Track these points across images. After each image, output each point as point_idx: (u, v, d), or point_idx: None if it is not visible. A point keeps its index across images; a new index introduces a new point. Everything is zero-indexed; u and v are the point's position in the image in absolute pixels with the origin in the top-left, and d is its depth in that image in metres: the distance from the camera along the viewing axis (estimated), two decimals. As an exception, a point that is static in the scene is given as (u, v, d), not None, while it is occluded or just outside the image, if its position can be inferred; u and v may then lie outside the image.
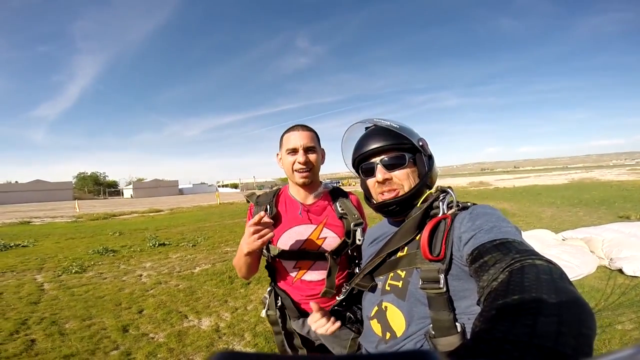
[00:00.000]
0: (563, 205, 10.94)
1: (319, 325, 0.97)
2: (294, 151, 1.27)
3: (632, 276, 3.73)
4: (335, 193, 1.42)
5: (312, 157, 1.28)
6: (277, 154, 1.37)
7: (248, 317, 3.36)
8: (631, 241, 4.38)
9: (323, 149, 1.39)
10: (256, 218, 1.06)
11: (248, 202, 1.42)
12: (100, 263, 5.96)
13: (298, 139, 1.27)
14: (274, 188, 1.48)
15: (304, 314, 1.34)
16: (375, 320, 0.89)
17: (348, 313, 1.08)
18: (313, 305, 1.00)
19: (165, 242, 7.70)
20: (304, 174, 1.27)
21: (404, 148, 0.93)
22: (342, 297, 1.07)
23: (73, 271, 5.31)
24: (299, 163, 1.26)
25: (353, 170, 1.06)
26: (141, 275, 5.09)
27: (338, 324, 0.98)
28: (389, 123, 0.94)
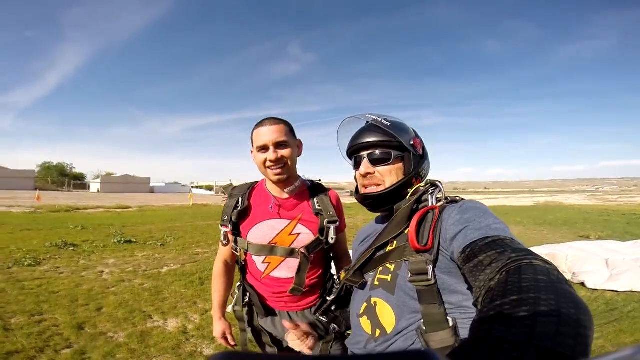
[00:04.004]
0: (529, 224, 11.47)
1: (296, 345, 0.94)
2: (264, 148, 1.21)
3: (593, 289, 3.98)
4: (315, 189, 1.37)
5: (284, 152, 1.21)
6: (251, 151, 1.29)
7: (218, 319, 3.19)
8: (591, 258, 4.66)
9: (299, 140, 1.32)
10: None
11: (224, 193, 1.40)
12: (57, 257, 5.53)
13: (267, 135, 1.20)
14: (252, 181, 1.44)
15: (271, 312, 1.32)
16: (365, 318, 0.86)
17: (333, 325, 1.04)
18: (286, 323, 0.96)
19: (132, 240, 7.30)
20: (277, 171, 1.22)
21: (392, 145, 0.92)
22: (333, 297, 1.05)
23: (26, 264, 4.89)
24: (270, 161, 1.20)
25: (348, 159, 1.05)
26: (102, 272, 4.77)
27: (313, 342, 0.95)
28: (380, 120, 0.93)
